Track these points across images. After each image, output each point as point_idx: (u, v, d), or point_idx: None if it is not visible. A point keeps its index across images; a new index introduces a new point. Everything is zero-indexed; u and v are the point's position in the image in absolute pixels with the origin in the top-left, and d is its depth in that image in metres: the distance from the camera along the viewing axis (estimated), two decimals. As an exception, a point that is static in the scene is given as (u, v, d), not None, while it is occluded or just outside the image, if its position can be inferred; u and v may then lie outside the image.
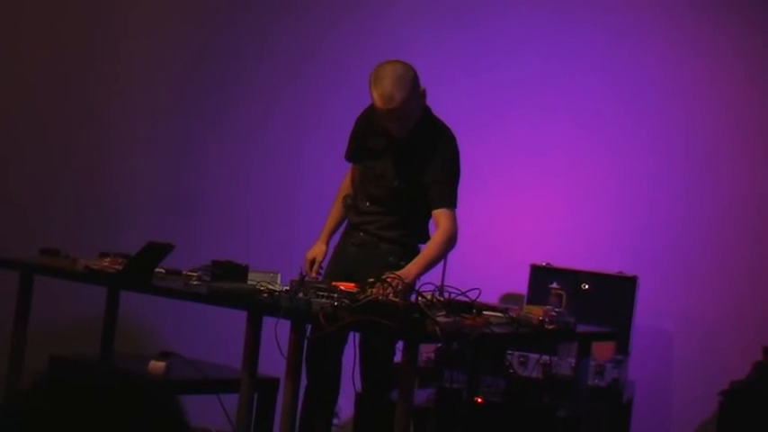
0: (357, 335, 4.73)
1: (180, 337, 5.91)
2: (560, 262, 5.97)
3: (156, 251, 4.79)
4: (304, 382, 4.80)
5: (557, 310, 4.65)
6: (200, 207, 6.55)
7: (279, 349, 4.40)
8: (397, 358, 4.68)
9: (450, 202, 4.85)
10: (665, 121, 6.28)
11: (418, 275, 4.68)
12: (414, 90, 4.73)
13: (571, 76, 6.40)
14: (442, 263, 4.85)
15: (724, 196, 6.16)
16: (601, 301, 5.76)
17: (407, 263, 4.83)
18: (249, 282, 4.67)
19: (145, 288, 4.83)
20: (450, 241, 4.80)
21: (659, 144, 6.28)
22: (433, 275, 4.72)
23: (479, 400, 5.03)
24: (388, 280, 4.38)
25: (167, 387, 1.46)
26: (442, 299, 4.38)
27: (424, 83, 4.81)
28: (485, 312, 4.41)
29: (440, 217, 4.82)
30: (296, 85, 6.62)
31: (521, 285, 6.00)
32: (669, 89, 6.29)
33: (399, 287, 4.35)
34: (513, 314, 4.57)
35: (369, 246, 5.03)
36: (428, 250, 4.81)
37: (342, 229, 5.22)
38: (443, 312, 4.24)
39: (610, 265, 5.96)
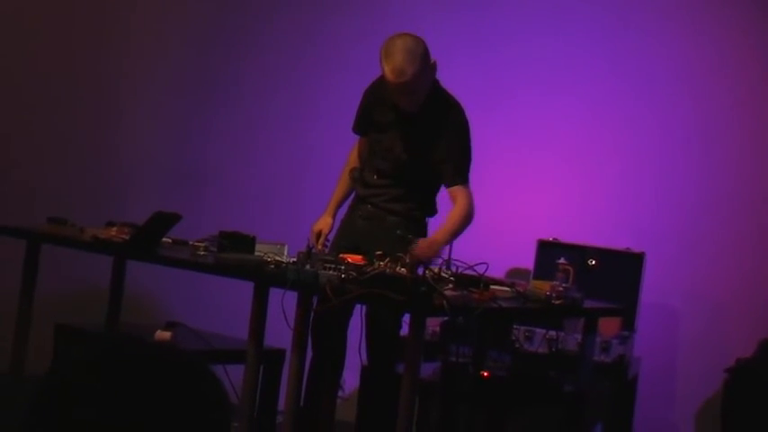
0: (363, 308, 4.73)
1: (186, 307, 5.91)
2: (567, 237, 5.96)
3: (164, 221, 4.78)
4: (310, 354, 4.80)
5: (564, 285, 4.65)
6: (207, 178, 6.54)
7: (285, 321, 4.39)
8: (403, 331, 4.69)
9: (465, 178, 4.84)
10: (673, 98, 6.25)
11: (444, 244, 4.65)
12: (425, 63, 4.71)
13: (579, 54, 6.38)
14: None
15: (732, 173, 6.14)
16: (607, 278, 5.76)
17: (415, 236, 4.82)
18: (256, 253, 4.67)
19: (151, 258, 4.82)
20: (470, 216, 4.79)
21: (668, 121, 6.26)
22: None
23: (485, 374, 5.03)
24: (415, 251, 4.39)
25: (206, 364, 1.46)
26: (449, 272, 4.38)
27: (434, 57, 4.78)
28: (492, 287, 4.41)
29: (457, 194, 4.80)
30: (303, 59, 6.60)
31: (527, 260, 5.99)
32: (677, 67, 6.26)
33: (429, 255, 4.35)
34: (520, 289, 4.56)
35: (376, 219, 5.02)
36: (450, 223, 4.77)
37: (349, 202, 5.21)
38: (450, 286, 4.23)
39: (617, 242, 5.95)
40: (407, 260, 4.33)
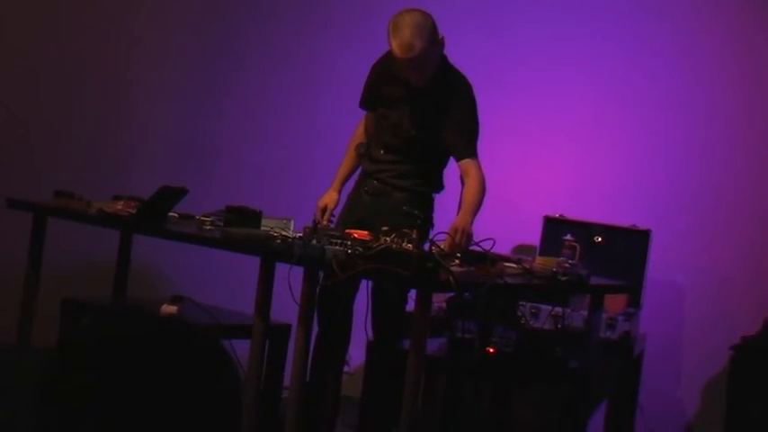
0: (370, 283, 4.73)
1: (192, 281, 5.92)
2: (573, 214, 5.95)
3: (170, 195, 4.79)
4: (316, 329, 4.81)
5: (570, 261, 4.65)
6: (214, 153, 6.54)
7: (291, 296, 4.40)
8: (409, 307, 4.69)
9: (474, 152, 4.83)
10: (680, 74, 6.24)
11: (472, 224, 4.64)
12: (433, 38, 4.70)
13: (586, 30, 6.36)
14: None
15: (739, 149, 6.13)
16: (613, 254, 5.75)
17: (421, 211, 4.82)
18: (262, 228, 4.67)
19: (158, 232, 4.83)
20: (485, 188, 4.77)
21: (675, 97, 6.24)
22: (447, 225, 4.71)
23: (491, 350, 5.03)
24: (453, 243, 4.38)
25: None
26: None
27: (441, 33, 4.77)
28: (498, 263, 4.40)
29: (468, 167, 4.79)
30: (312, 33, 6.59)
31: (534, 237, 5.98)
32: (685, 43, 6.25)
33: (464, 241, 4.35)
34: (526, 265, 4.56)
35: (382, 194, 5.02)
36: (470, 198, 4.73)
37: (355, 177, 5.21)
38: (457, 262, 4.23)
39: (623, 218, 5.95)
40: (446, 252, 4.32)
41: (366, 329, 4.86)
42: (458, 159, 4.83)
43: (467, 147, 4.82)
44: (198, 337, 1.44)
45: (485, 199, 4.78)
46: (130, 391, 1.37)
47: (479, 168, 4.79)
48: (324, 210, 5.07)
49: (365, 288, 4.78)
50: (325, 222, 4.96)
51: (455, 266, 4.16)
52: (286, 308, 4.60)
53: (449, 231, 4.48)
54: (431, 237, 4.52)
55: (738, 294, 6.04)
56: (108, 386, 1.38)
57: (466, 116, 4.85)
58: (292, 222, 4.75)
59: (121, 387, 1.38)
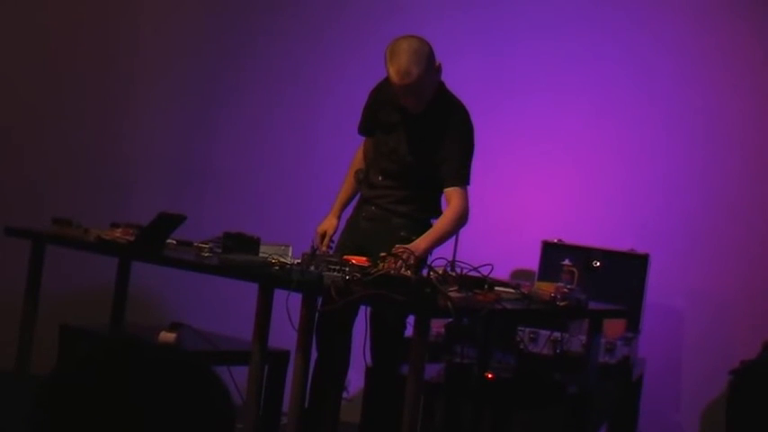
0: (368, 309, 4.73)
1: (191, 308, 5.92)
2: (572, 239, 5.96)
3: (168, 222, 4.79)
4: (314, 355, 4.80)
5: (568, 286, 4.65)
6: (212, 179, 6.55)
7: (290, 322, 4.39)
8: (408, 332, 4.69)
9: (462, 180, 4.83)
10: (678, 98, 6.26)
11: (427, 249, 4.67)
12: (430, 65, 4.71)
13: (585, 53, 6.37)
14: (454, 238, 4.84)
15: (737, 173, 6.14)
16: (612, 279, 5.75)
17: (418, 237, 4.82)
18: (261, 254, 4.67)
19: (156, 259, 4.83)
20: (461, 218, 4.79)
21: (673, 121, 6.26)
22: (445, 250, 4.72)
23: (490, 375, 5.02)
24: (398, 252, 4.40)
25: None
26: (453, 274, 4.37)
27: (439, 58, 4.79)
28: (496, 288, 4.40)
29: (452, 195, 4.80)
30: (310, 59, 6.60)
31: (532, 262, 5.99)
32: (684, 67, 6.26)
33: (409, 260, 4.37)
34: (524, 290, 4.56)
35: (381, 220, 5.02)
36: (439, 225, 4.81)
37: (354, 203, 5.21)
38: (455, 287, 4.23)
39: (621, 243, 5.95)
40: (385, 254, 4.35)
41: (365, 355, 4.86)
42: (444, 186, 4.83)
43: (455, 174, 4.82)
44: (190, 367, 1.44)
45: (459, 230, 4.80)
46: (124, 422, 1.37)
47: (463, 198, 4.79)
48: (323, 236, 5.07)
49: (364, 314, 4.78)
50: (324, 248, 4.96)
51: (453, 292, 4.16)
52: (285, 334, 4.59)
53: (403, 247, 4.50)
54: (429, 262, 4.52)
55: (737, 317, 6.05)
56: (100, 418, 1.38)
57: (459, 143, 4.85)
58: (290, 249, 4.75)
59: (115, 419, 1.37)
